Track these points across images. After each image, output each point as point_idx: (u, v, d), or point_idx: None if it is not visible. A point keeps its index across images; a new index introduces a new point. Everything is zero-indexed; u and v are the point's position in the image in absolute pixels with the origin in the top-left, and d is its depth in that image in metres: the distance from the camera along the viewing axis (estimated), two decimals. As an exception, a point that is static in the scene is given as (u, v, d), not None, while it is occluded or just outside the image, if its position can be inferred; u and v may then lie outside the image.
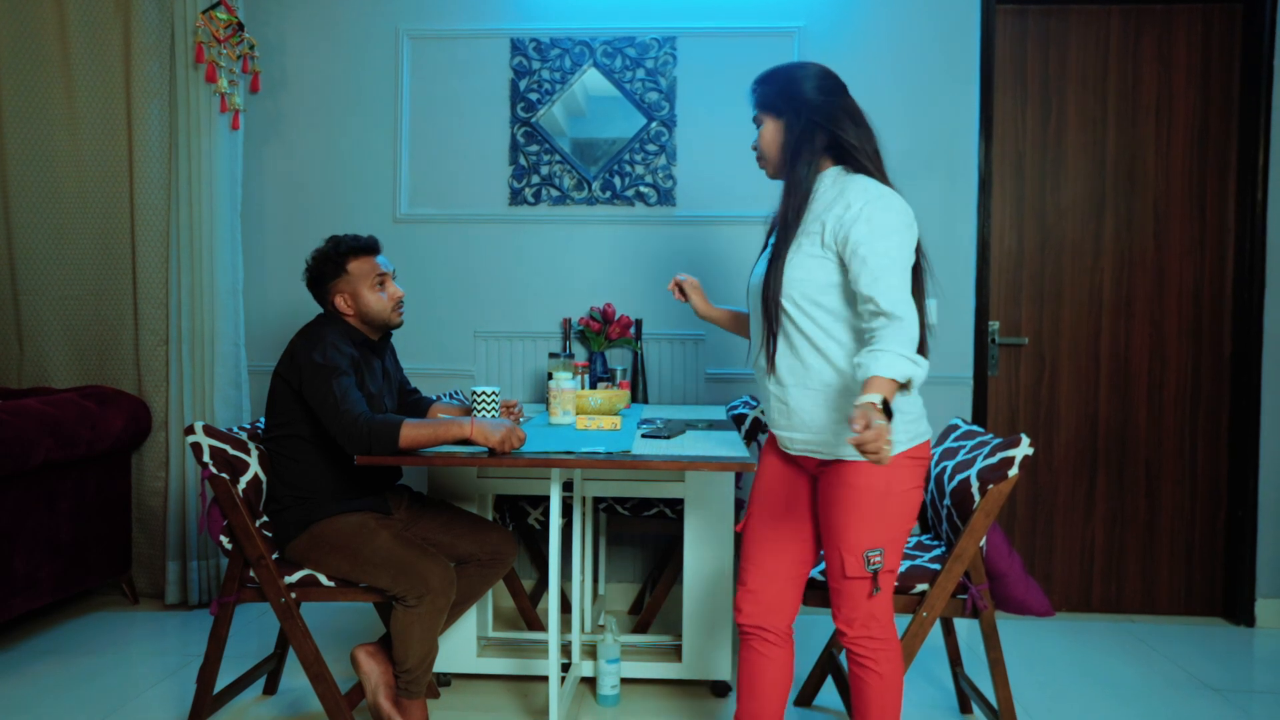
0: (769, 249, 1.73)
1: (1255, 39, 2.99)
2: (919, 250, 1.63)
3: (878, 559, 1.60)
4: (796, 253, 1.62)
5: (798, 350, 1.63)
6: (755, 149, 1.74)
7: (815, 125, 1.63)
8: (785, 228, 1.64)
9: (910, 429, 1.63)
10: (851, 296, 1.59)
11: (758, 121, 1.72)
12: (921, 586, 1.97)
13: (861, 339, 1.58)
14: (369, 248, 2.18)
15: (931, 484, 2.18)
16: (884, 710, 1.67)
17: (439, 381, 3.18)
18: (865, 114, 1.68)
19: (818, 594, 1.93)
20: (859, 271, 1.53)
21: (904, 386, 1.46)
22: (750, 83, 1.73)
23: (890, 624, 1.67)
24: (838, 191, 1.61)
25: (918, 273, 1.64)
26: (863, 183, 1.60)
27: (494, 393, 2.18)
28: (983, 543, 1.97)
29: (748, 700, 1.77)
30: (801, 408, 1.64)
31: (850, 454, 1.59)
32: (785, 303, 1.62)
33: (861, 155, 1.63)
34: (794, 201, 1.63)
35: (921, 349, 1.61)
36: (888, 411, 1.40)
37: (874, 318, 1.51)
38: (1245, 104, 3.03)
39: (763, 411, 2.63)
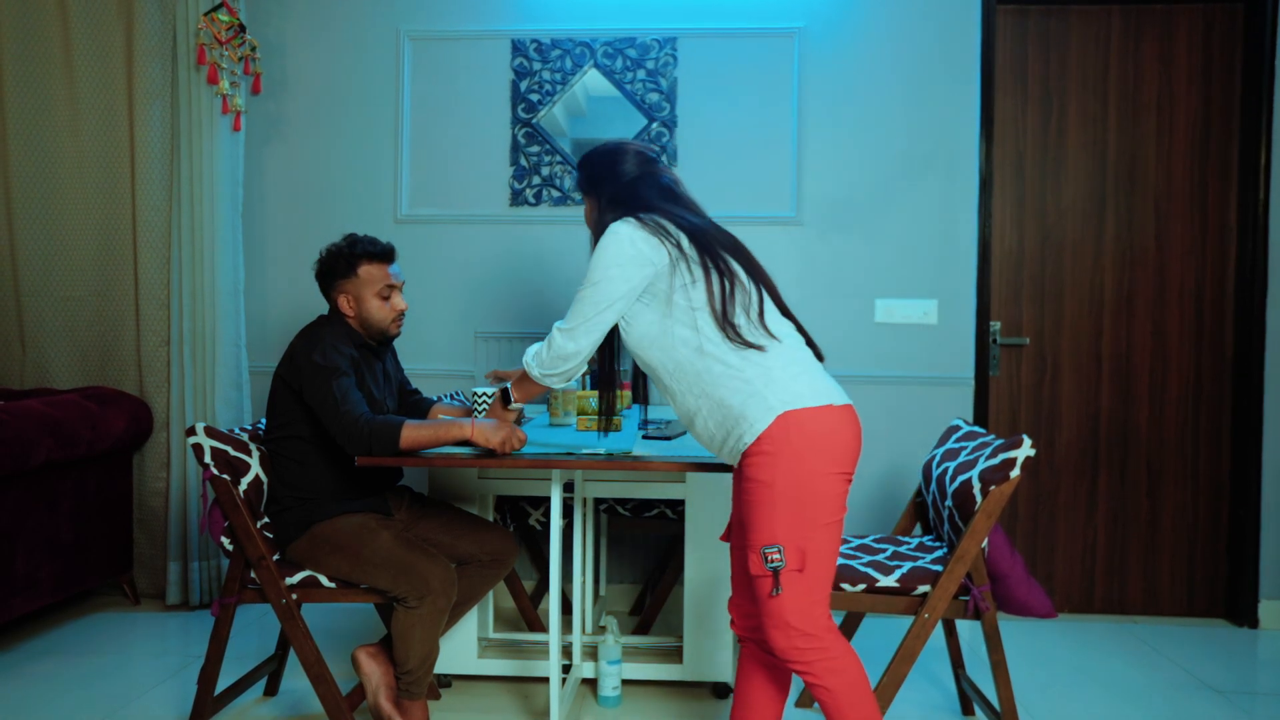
0: None
1: (1256, 39, 2.99)
2: (680, 262, 1.64)
3: (776, 556, 1.50)
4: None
5: (669, 383, 1.72)
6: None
7: (617, 201, 1.76)
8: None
9: (777, 392, 1.54)
10: (661, 313, 1.66)
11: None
12: (923, 588, 1.96)
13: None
14: (384, 255, 2.17)
15: (933, 485, 2.18)
16: (844, 709, 1.52)
17: (440, 382, 3.18)
18: (680, 187, 1.82)
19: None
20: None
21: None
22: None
23: (821, 634, 1.53)
24: None
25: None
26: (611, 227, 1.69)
27: (494, 394, 2.15)
28: (985, 544, 1.97)
29: (741, 708, 1.76)
30: (697, 431, 1.68)
31: (737, 447, 1.59)
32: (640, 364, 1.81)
33: (625, 197, 1.76)
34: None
35: (802, 332, 1.70)
36: (507, 398, 1.86)
37: None
38: (1246, 103, 3.02)
39: None
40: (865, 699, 1.54)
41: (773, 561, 1.50)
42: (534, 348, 1.76)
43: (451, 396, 2.79)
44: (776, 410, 1.52)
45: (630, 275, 1.63)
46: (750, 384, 1.56)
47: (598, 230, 1.75)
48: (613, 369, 1.81)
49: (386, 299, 2.16)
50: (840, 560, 2.06)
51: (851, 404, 1.62)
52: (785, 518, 1.51)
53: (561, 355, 1.69)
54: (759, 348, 1.58)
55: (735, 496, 1.64)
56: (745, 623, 1.73)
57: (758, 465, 1.53)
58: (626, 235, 1.63)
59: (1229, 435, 3.09)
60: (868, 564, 2.05)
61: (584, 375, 2.75)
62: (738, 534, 1.67)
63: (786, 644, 1.53)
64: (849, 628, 2.33)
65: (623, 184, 1.75)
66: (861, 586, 1.98)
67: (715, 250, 1.66)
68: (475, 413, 2.16)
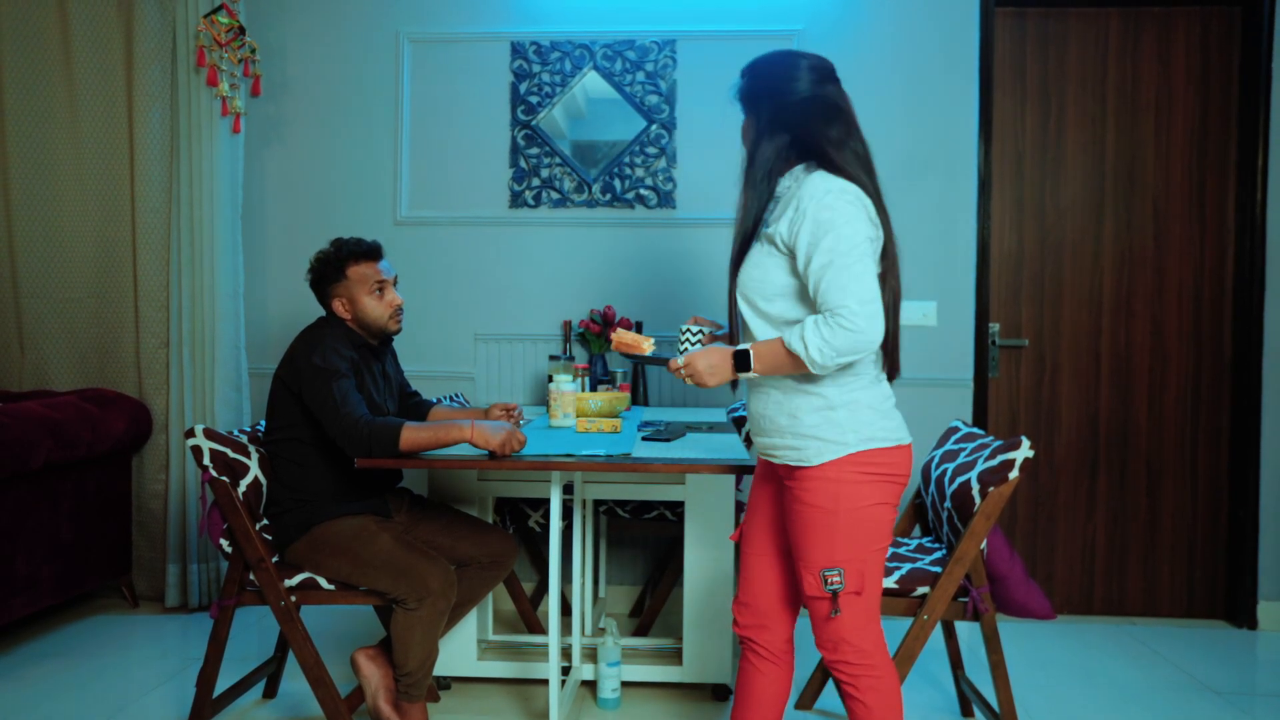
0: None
1: (1254, 41, 2.99)
2: (888, 252, 1.54)
3: (836, 579, 1.51)
4: (753, 254, 1.58)
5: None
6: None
7: (779, 123, 1.56)
8: (742, 229, 1.60)
9: (858, 429, 1.52)
10: (803, 299, 1.54)
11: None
12: (922, 589, 1.96)
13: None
14: (370, 253, 2.17)
15: (932, 486, 2.18)
16: None
17: (440, 384, 3.18)
18: (847, 104, 1.58)
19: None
20: (808, 271, 1.48)
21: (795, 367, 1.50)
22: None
23: (872, 651, 1.56)
24: (793, 193, 1.54)
25: (881, 278, 1.53)
26: (815, 179, 1.51)
27: (702, 334, 1.78)
28: (983, 545, 1.97)
29: (740, 710, 1.72)
30: (759, 412, 1.62)
31: (792, 458, 1.55)
32: (742, 304, 1.61)
33: (829, 151, 1.53)
34: (750, 202, 1.59)
35: (890, 352, 1.56)
36: (743, 364, 1.52)
37: (815, 316, 1.48)
38: (1244, 105, 3.03)
39: None
40: (897, 718, 1.57)
41: (832, 584, 1.52)
42: (810, 332, 1.44)
43: (451, 399, 2.79)
44: (851, 448, 1.51)
45: (858, 233, 1.47)
46: (831, 407, 1.52)
47: (750, 151, 1.59)
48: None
49: (380, 296, 2.16)
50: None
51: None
52: (845, 543, 1.52)
53: (867, 335, 1.43)
54: (854, 374, 1.54)
55: (784, 509, 1.61)
56: (750, 622, 1.71)
57: (818, 491, 1.52)
58: (856, 194, 1.48)
59: (1228, 435, 3.09)
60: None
61: (584, 378, 2.75)
62: (793, 552, 1.60)
63: (838, 658, 1.56)
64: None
65: (786, 103, 1.54)
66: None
67: (894, 267, 1.56)
68: (680, 347, 1.77)
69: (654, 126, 3.11)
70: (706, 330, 1.75)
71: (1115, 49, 3.08)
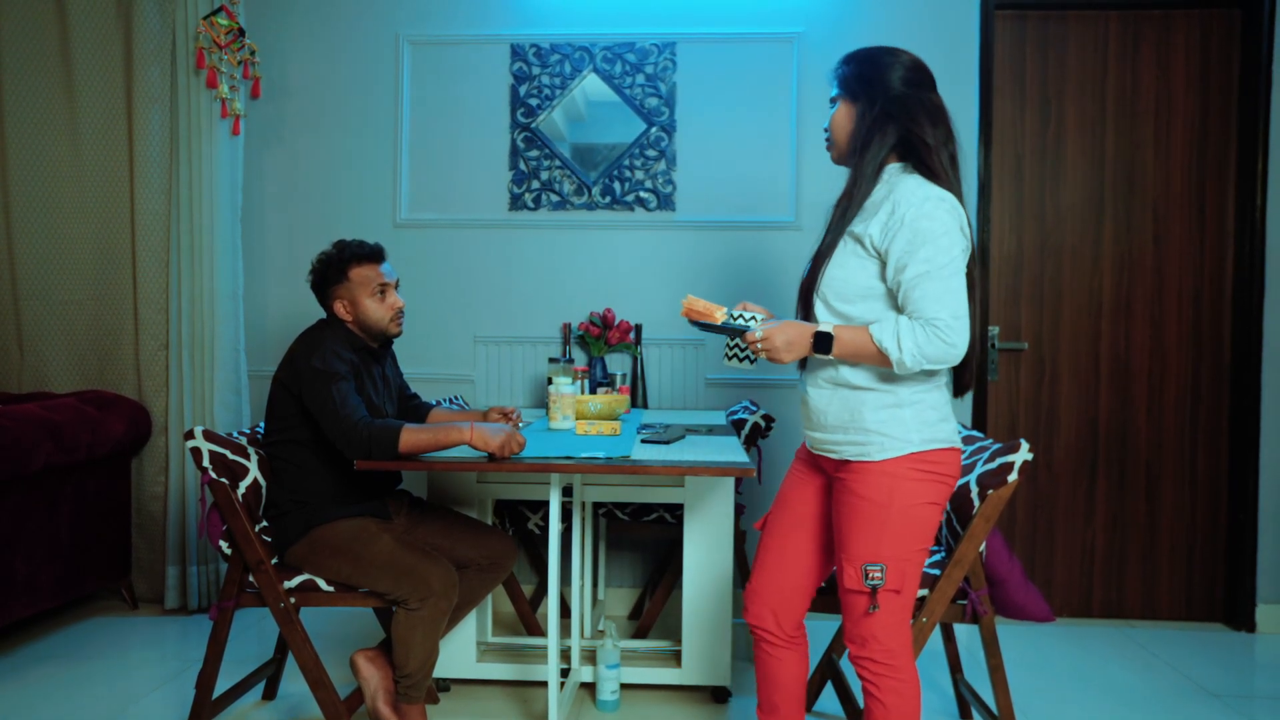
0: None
1: (1254, 44, 3.00)
2: (971, 261, 1.55)
3: (877, 574, 1.53)
4: (839, 251, 1.57)
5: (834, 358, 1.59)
6: (826, 130, 1.66)
7: (889, 117, 1.55)
8: (835, 223, 1.59)
9: (921, 429, 1.54)
10: (886, 303, 1.55)
11: (834, 102, 1.63)
12: (921, 592, 1.96)
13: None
14: (373, 255, 2.18)
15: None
16: None
17: (439, 386, 3.18)
18: (949, 115, 1.61)
19: (826, 599, 1.93)
20: (901, 278, 1.49)
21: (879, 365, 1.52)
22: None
23: (899, 651, 1.57)
24: (887, 192, 1.54)
25: (970, 286, 1.54)
26: (912, 184, 1.51)
27: (752, 316, 1.71)
28: (982, 548, 1.97)
29: (767, 695, 1.77)
30: (818, 407, 1.62)
31: (852, 453, 1.57)
32: (819, 301, 1.59)
33: (929, 155, 1.54)
34: (854, 194, 1.57)
35: (969, 363, 1.57)
36: (823, 345, 1.52)
37: (910, 321, 1.50)
38: (1244, 108, 3.03)
39: (765, 416, 2.64)
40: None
41: (873, 579, 1.53)
42: (906, 334, 1.46)
43: (450, 401, 2.79)
44: (914, 447, 1.54)
45: (957, 245, 1.49)
46: (899, 405, 1.55)
47: (858, 142, 1.57)
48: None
49: (382, 298, 2.16)
50: (839, 564, 2.06)
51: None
52: (893, 539, 1.54)
53: (958, 349, 1.47)
54: (928, 377, 1.57)
55: (835, 500, 1.61)
56: (760, 609, 1.72)
57: (875, 485, 1.54)
58: (953, 204, 1.50)
59: (1227, 439, 3.09)
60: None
61: (583, 380, 2.75)
62: (835, 545, 1.62)
63: (865, 655, 1.57)
64: (847, 632, 2.32)
65: (896, 97, 1.55)
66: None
67: (975, 274, 1.57)
68: (738, 322, 1.68)
69: (654, 129, 3.11)
70: (760, 316, 1.69)
71: (1115, 51, 3.08)
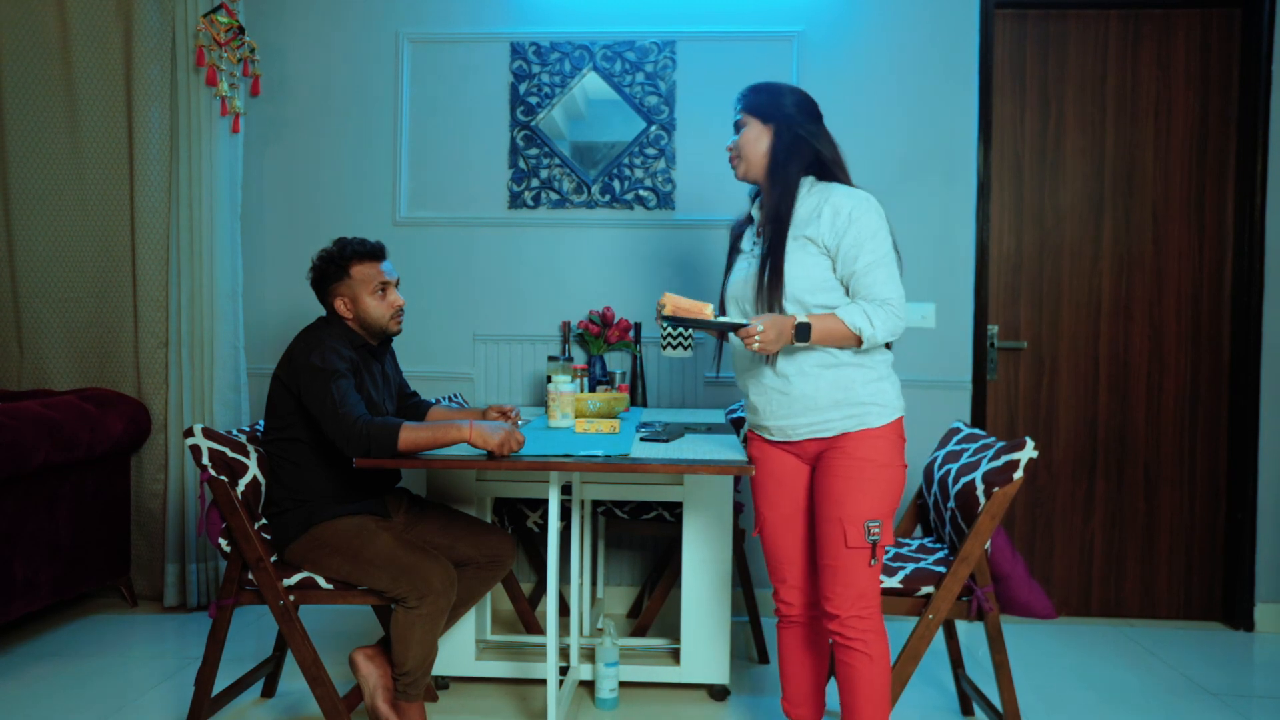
0: (750, 250, 1.88)
1: (1254, 43, 3.00)
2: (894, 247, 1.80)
3: (877, 529, 1.71)
4: (794, 254, 1.76)
5: (801, 349, 1.77)
6: (732, 150, 1.86)
7: (801, 139, 1.79)
8: (776, 229, 1.77)
9: (897, 398, 1.80)
10: (840, 290, 1.77)
11: (740, 125, 1.85)
12: (926, 589, 1.97)
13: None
14: (374, 253, 2.18)
15: (935, 486, 2.18)
16: (876, 694, 1.73)
17: (438, 385, 3.18)
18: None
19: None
20: (854, 269, 1.73)
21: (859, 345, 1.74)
22: (739, 91, 1.88)
23: (879, 606, 1.76)
24: (822, 197, 1.77)
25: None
26: (844, 189, 1.77)
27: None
28: (987, 545, 1.97)
29: (798, 680, 1.93)
30: (804, 393, 1.77)
31: (851, 425, 1.75)
32: (788, 301, 1.76)
33: (836, 168, 1.81)
34: (784, 203, 1.78)
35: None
36: (803, 334, 1.70)
37: (868, 303, 1.74)
38: (1244, 108, 3.03)
39: (755, 410, 2.63)
40: (889, 672, 1.77)
41: (874, 534, 1.72)
42: (872, 314, 1.71)
43: (450, 399, 2.79)
44: (896, 413, 1.79)
45: (890, 237, 1.77)
46: (881, 379, 1.78)
47: (780, 158, 1.79)
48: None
49: (383, 296, 2.16)
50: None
51: None
52: (886, 498, 1.74)
53: (904, 324, 1.75)
54: (886, 353, 1.82)
55: (827, 469, 1.76)
56: (801, 600, 1.89)
57: (880, 449, 1.75)
58: (877, 202, 1.77)
59: (1226, 439, 3.09)
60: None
61: (583, 379, 2.75)
62: (826, 510, 1.75)
63: (856, 613, 1.73)
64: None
65: (803, 122, 1.80)
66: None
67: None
68: (726, 318, 1.81)
69: (653, 128, 3.11)
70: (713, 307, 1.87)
71: (1115, 51, 3.08)
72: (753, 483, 1.93)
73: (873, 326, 1.71)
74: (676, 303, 1.76)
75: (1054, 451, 3.13)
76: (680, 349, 1.88)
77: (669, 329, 1.86)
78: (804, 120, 1.80)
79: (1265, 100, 2.97)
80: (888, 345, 1.81)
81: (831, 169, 1.81)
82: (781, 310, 1.76)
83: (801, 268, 1.75)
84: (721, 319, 1.76)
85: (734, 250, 1.95)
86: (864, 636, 1.73)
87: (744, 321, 1.71)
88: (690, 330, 1.86)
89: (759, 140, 1.82)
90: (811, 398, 1.77)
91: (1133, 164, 3.09)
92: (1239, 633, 3.01)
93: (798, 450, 1.85)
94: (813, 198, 1.78)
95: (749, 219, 1.94)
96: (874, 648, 1.73)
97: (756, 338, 1.67)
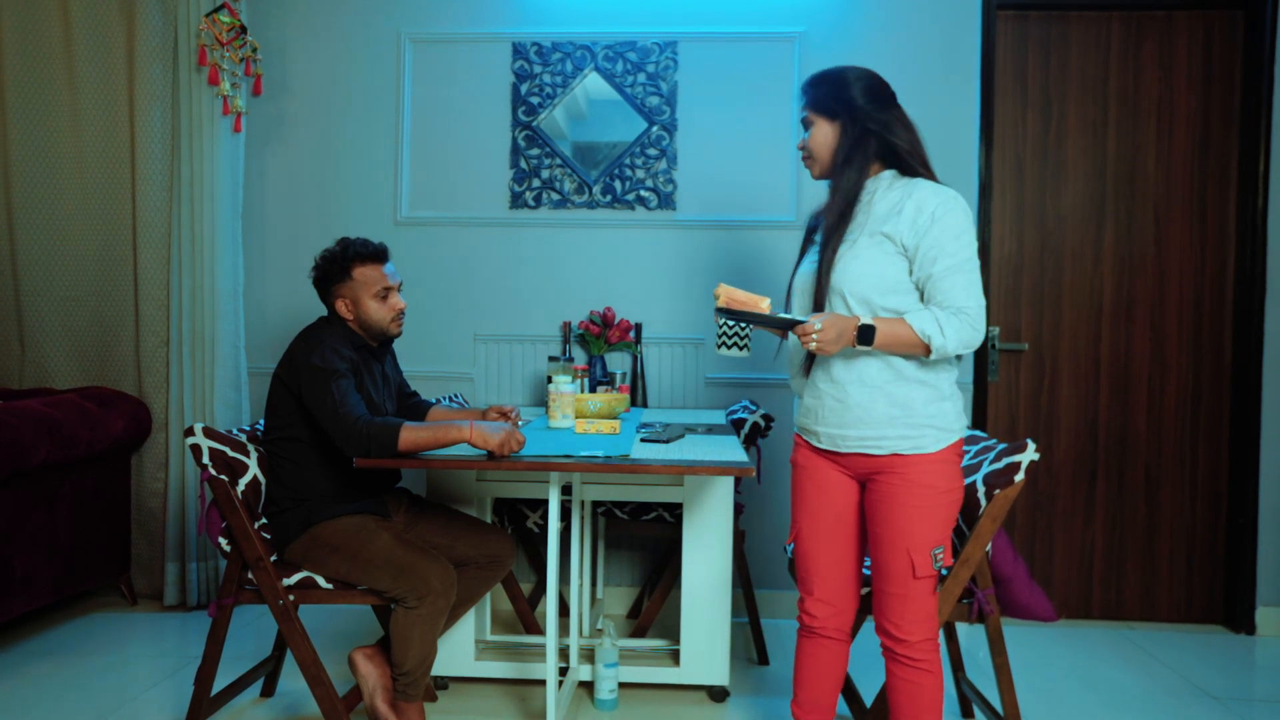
0: (816, 248, 1.75)
1: (1256, 45, 2.99)
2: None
3: (941, 554, 1.65)
4: (859, 251, 1.64)
5: (868, 355, 1.65)
6: (803, 149, 1.75)
7: (868, 131, 1.67)
8: (834, 227, 1.67)
9: (958, 419, 1.68)
10: (915, 295, 1.65)
11: (807, 123, 1.73)
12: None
13: None
14: (377, 256, 2.18)
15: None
16: (936, 706, 1.70)
17: (439, 384, 3.18)
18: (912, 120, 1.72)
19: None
20: (931, 271, 1.60)
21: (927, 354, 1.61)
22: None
23: (937, 628, 1.72)
24: (905, 193, 1.64)
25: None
26: (929, 185, 1.64)
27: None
28: (988, 547, 1.97)
29: (812, 688, 1.84)
30: (859, 403, 1.66)
31: (905, 447, 1.64)
32: (850, 300, 1.64)
33: (913, 160, 1.67)
34: (841, 203, 1.67)
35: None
36: (865, 337, 1.58)
37: (942, 310, 1.61)
38: (1246, 110, 3.03)
39: (764, 416, 2.63)
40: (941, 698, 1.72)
41: (939, 561, 1.65)
42: (944, 322, 1.58)
43: (450, 399, 2.79)
44: (956, 435, 1.68)
45: (975, 241, 1.66)
46: (942, 398, 1.66)
47: (842, 155, 1.67)
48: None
49: (384, 299, 2.16)
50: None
51: None
52: (946, 522, 1.67)
53: (981, 335, 1.62)
54: (952, 368, 1.70)
55: (887, 495, 1.66)
56: (827, 613, 1.79)
57: (941, 474, 1.65)
58: (965, 203, 1.64)
59: (1227, 441, 3.09)
60: (867, 566, 2.05)
61: (583, 379, 2.75)
62: (891, 539, 1.66)
63: (922, 637, 1.67)
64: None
65: (870, 112, 1.66)
66: (866, 589, 1.98)
67: None
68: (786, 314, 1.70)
69: (655, 128, 3.11)
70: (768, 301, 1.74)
71: (1117, 52, 3.08)
72: (793, 489, 1.83)
73: (944, 336, 1.57)
74: (731, 294, 1.62)
75: (1055, 453, 3.12)
76: (737, 348, 1.71)
77: (727, 325, 1.71)
78: (873, 110, 1.66)
79: (1267, 102, 2.97)
80: (957, 357, 1.69)
81: (909, 160, 1.67)
82: (821, 310, 1.67)
83: (874, 265, 1.62)
84: (780, 314, 1.63)
85: (808, 242, 1.83)
86: (930, 656, 1.68)
87: (802, 318, 1.60)
88: (748, 327, 1.70)
89: (827, 138, 1.70)
90: (867, 410, 1.65)
91: (1134, 166, 3.09)
92: (1240, 636, 3.01)
93: (845, 463, 1.73)
94: (894, 193, 1.65)
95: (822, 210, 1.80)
96: (937, 665, 1.69)
97: (814, 336, 1.56)
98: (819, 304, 1.67)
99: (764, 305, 1.62)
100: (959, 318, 1.58)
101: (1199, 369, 3.09)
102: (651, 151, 3.12)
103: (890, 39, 3.06)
